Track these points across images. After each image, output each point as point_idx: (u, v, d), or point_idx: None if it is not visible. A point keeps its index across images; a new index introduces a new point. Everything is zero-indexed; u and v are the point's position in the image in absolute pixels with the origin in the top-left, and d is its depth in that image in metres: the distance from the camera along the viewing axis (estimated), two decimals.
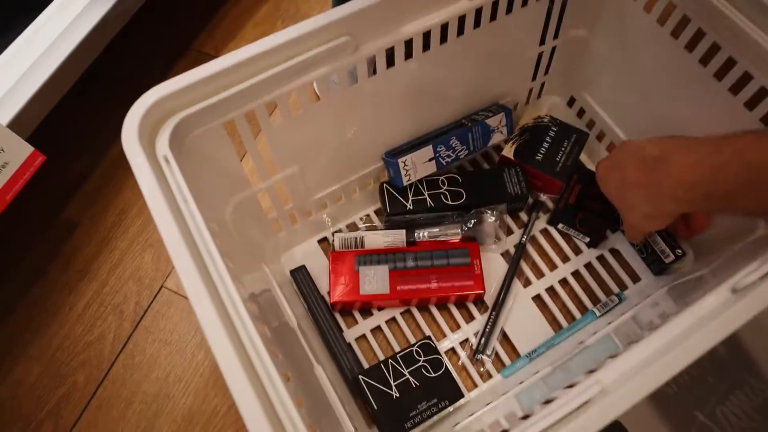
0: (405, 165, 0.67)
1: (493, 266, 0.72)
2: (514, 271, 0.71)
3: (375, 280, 0.68)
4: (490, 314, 0.69)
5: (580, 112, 0.80)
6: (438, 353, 0.65)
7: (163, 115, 0.47)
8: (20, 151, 0.66)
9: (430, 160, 0.69)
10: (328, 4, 0.83)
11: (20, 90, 0.71)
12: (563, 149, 0.75)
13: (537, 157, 0.74)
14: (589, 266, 0.73)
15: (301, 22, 0.50)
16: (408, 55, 0.58)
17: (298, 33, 0.50)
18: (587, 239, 0.73)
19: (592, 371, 0.41)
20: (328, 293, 0.69)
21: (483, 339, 0.68)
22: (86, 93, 0.81)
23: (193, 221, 0.43)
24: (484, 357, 0.67)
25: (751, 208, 0.50)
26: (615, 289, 0.71)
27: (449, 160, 0.70)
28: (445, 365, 0.64)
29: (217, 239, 0.45)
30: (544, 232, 0.75)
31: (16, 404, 0.73)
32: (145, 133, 0.46)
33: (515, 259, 0.72)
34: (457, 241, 0.71)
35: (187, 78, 0.47)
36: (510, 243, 0.74)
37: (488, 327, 0.68)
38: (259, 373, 0.38)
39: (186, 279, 0.41)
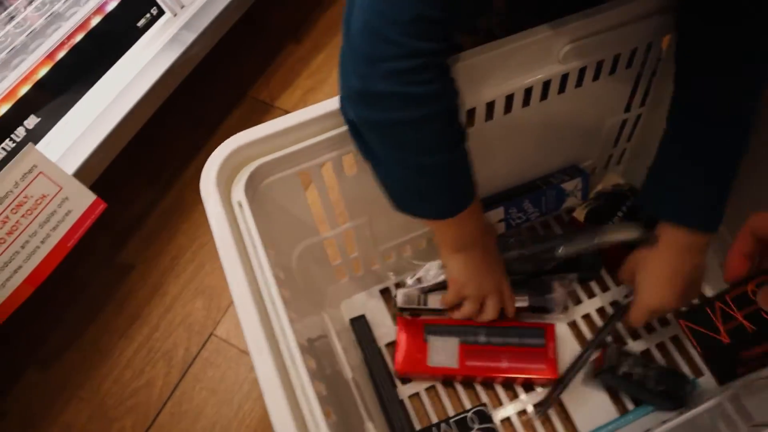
0: None
1: (562, 346, 0.69)
2: (584, 363, 0.66)
3: (444, 352, 0.66)
4: (552, 392, 0.65)
5: None
6: (491, 422, 0.62)
7: (240, 162, 0.48)
8: (83, 199, 0.67)
9: (500, 221, 0.67)
10: None
11: (86, 140, 0.73)
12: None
13: (609, 225, 0.71)
14: (661, 346, 0.69)
15: None
16: (489, 116, 0.58)
17: None
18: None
19: None
20: (393, 358, 0.68)
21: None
22: (146, 139, 0.82)
23: (260, 269, 0.44)
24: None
25: None
26: (689, 374, 0.67)
27: (519, 221, 0.69)
28: None
29: (283, 288, 0.45)
30: None
31: None
32: (222, 179, 0.47)
33: (587, 353, 0.67)
34: (525, 306, 0.68)
35: (266, 128, 0.48)
36: (578, 313, 0.71)
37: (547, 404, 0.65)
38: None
39: (248, 328, 0.41)
